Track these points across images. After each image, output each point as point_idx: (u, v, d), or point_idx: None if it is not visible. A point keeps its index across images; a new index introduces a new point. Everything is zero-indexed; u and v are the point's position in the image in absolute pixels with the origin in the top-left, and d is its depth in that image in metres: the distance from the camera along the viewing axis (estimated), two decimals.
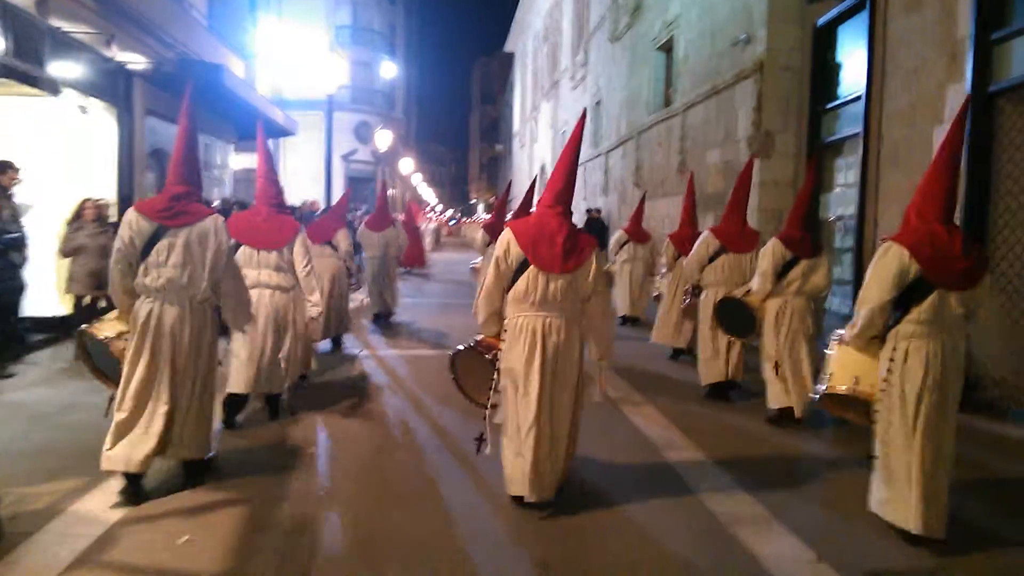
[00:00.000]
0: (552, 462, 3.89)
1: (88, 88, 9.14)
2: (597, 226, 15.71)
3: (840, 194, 8.89)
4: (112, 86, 9.68)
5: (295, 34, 17.87)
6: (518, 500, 3.93)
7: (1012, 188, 5.81)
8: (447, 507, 4.01)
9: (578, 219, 17.12)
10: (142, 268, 3.93)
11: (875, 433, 3.70)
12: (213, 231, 4.02)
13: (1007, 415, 5.76)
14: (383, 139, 27.22)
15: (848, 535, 3.76)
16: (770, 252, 5.58)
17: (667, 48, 14.80)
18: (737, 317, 5.84)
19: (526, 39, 39.39)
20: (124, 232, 3.93)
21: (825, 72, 9.15)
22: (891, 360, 3.61)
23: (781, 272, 5.54)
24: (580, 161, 21.48)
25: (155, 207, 3.98)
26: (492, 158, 72.38)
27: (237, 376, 5.17)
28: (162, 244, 3.91)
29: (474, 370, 4.25)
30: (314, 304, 5.42)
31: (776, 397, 5.61)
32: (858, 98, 8.06)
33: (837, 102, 8.83)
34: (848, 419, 4.23)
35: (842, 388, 3.88)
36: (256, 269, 5.23)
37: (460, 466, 4.66)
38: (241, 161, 16.69)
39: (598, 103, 21.00)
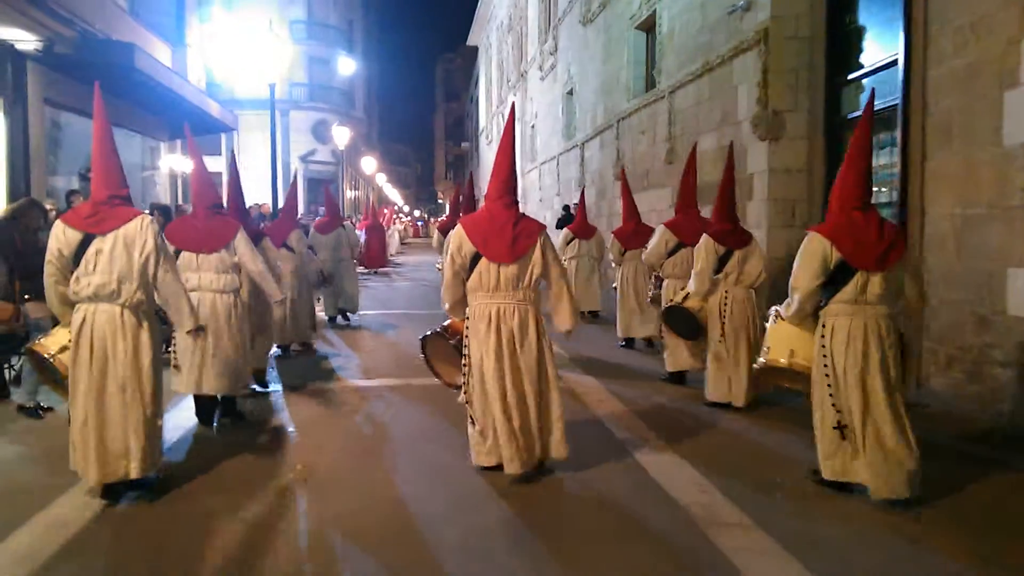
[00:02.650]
0: (524, 436, 4.09)
1: None
2: (572, 220, 14.66)
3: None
4: None
5: (242, 26, 16.26)
6: (487, 470, 4.23)
7: None
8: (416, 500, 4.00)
9: (553, 216, 15.61)
10: (73, 277, 3.88)
11: (814, 403, 4.04)
12: (139, 231, 3.92)
13: None
14: (341, 136, 25.51)
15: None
16: (703, 250, 5.76)
17: (648, 26, 13.47)
18: (684, 321, 6.06)
19: (490, 31, 37.95)
20: (52, 244, 3.90)
21: (844, 38, 7.84)
22: (822, 336, 3.99)
23: (717, 267, 5.75)
24: (552, 155, 20.08)
25: (80, 215, 3.95)
26: (458, 156, 70.73)
27: (182, 378, 5.09)
28: (90, 251, 3.86)
29: (442, 352, 4.65)
30: (273, 293, 5.59)
31: (716, 389, 5.83)
32: (892, 63, 6.77)
33: (862, 71, 7.53)
34: (783, 385, 4.67)
35: (782, 361, 4.33)
36: (196, 273, 5.16)
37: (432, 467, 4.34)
38: (178, 162, 14.91)
39: (570, 92, 19.63)
